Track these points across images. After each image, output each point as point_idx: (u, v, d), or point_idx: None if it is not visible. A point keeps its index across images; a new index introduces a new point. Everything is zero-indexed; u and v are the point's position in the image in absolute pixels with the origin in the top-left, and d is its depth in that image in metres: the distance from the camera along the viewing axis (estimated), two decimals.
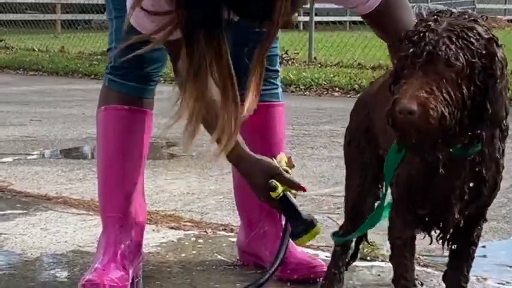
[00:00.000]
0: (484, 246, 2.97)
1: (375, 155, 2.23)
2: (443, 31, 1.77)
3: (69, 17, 19.70)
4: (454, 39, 1.76)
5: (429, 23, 1.80)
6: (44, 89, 9.67)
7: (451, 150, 1.84)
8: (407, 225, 2.02)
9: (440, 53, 1.74)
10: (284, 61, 11.53)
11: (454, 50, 1.75)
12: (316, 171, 4.58)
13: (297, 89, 9.26)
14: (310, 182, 4.19)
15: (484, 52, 1.78)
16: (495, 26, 19.90)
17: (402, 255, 2.03)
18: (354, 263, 2.65)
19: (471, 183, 1.92)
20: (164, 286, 2.58)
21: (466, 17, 1.83)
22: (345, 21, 20.82)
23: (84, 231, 3.23)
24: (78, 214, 3.52)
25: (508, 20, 22.52)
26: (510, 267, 2.82)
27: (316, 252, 2.90)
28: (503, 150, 1.96)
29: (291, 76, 9.49)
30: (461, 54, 1.75)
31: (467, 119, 1.78)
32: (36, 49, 15.08)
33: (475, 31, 1.79)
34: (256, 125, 2.63)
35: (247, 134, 2.29)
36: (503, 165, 1.97)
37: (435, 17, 1.82)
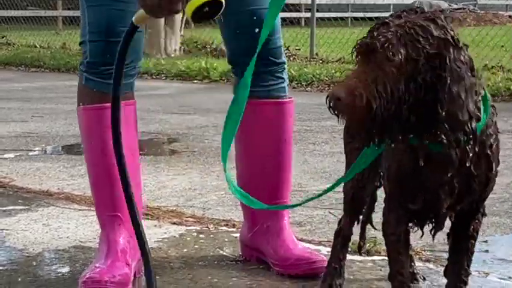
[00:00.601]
0: (486, 241, 2.98)
1: None
2: (394, 26, 1.80)
3: (70, 13, 19.65)
4: (399, 34, 1.79)
5: (389, 18, 1.83)
6: (45, 85, 9.66)
7: (430, 146, 1.85)
8: (399, 221, 2.03)
9: (378, 45, 1.77)
10: (286, 57, 11.51)
11: (394, 44, 1.77)
12: (318, 166, 4.58)
13: (299, 85, 9.25)
14: (312, 178, 4.20)
15: (432, 52, 1.79)
16: (496, 21, 19.88)
17: (397, 251, 2.04)
18: (355, 258, 2.65)
19: (460, 179, 1.92)
20: (166, 281, 2.58)
21: (427, 15, 1.83)
22: (346, 18, 20.78)
23: (86, 227, 3.23)
24: (80, 210, 3.52)
25: (509, 16, 22.50)
26: None
27: (318, 247, 2.90)
28: (496, 146, 1.95)
29: (293, 72, 9.47)
30: (401, 50, 1.77)
31: (407, 112, 1.77)
32: (37, 45, 15.06)
33: (426, 30, 1.80)
34: (266, 122, 2.63)
35: (256, 129, 2.27)
36: (497, 161, 1.97)
37: (403, 13, 1.84)
